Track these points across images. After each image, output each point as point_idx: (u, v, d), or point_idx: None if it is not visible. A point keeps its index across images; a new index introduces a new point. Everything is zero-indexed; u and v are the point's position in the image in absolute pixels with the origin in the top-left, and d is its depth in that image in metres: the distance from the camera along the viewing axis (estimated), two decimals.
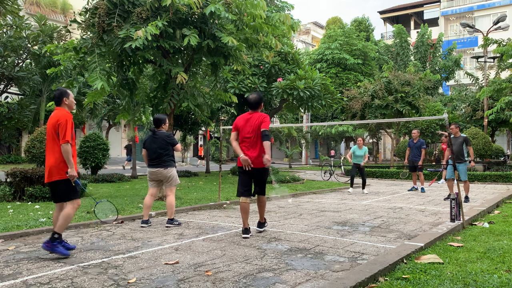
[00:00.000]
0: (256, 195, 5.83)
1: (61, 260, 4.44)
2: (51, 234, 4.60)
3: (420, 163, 11.88)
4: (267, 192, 6.13)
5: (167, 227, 6.35)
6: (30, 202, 8.59)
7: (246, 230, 5.65)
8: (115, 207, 6.74)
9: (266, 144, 5.45)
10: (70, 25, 10.52)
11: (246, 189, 5.68)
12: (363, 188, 11.88)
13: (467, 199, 9.40)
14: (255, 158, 5.55)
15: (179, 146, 6.64)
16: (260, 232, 5.94)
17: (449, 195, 9.76)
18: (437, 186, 14.23)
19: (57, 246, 4.51)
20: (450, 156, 9.52)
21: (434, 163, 20.71)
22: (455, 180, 6.78)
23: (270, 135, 5.55)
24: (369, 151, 37.78)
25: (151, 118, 14.16)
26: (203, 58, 9.78)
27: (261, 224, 6.01)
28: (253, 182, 5.73)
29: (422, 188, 12.09)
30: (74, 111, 20.65)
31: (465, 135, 9.60)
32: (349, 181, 12.48)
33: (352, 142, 36.63)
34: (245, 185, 5.68)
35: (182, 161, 33.25)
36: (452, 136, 9.48)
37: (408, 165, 12.25)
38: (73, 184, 4.64)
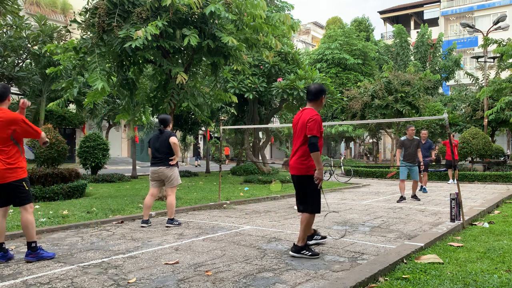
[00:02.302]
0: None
1: (61, 260, 4.44)
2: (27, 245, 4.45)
3: (420, 157, 11.04)
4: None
5: (167, 227, 6.35)
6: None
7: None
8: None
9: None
10: (70, 25, 10.52)
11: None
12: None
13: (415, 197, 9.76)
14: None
15: (173, 139, 6.43)
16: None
17: (401, 197, 9.75)
18: (437, 186, 14.22)
19: (41, 253, 4.43)
20: (402, 158, 9.76)
21: (434, 163, 20.67)
22: (455, 180, 6.77)
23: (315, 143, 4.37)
24: (369, 151, 37.86)
25: (151, 118, 14.17)
26: (203, 58, 9.77)
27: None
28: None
29: (424, 188, 12.06)
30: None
31: (418, 138, 9.76)
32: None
33: (352, 142, 36.60)
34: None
35: (182, 161, 33.26)
36: (407, 138, 9.68)
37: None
38: (27, 188, 4.45)
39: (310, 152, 4.38)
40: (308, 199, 4.54)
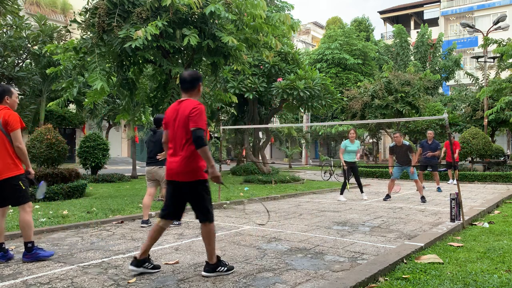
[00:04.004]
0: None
1: (61, 260, 4.44)
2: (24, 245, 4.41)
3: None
4: None
5: None
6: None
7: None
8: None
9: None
10: (70, 25, 10.53)
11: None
12: (361, 191, 10.16)
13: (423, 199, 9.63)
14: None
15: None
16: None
17: (387, 195, 9.87)
18: (442, 186, 14.20)
19: (37, 253, 4.40)
20: (396, 160, 9.98)
21: (439, 161, 20.66)
22: (455, 180, 6.77)
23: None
24: (370, 151, 37.80)
25: (151, 118, 14.17)
26: (203, 58, 9.78)
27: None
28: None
29: (438, 188, 12.03)
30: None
31: (407, 143, 9.83)
32: (341, 187, 10.33)
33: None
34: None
35: None
36: (395, 144, 9.82)
37: (420, 164, 12.02)
38: (23, 187, 4.40)
39: (196, 148, 3.69)
40: (206, 206, 3.87)
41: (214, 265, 3.89)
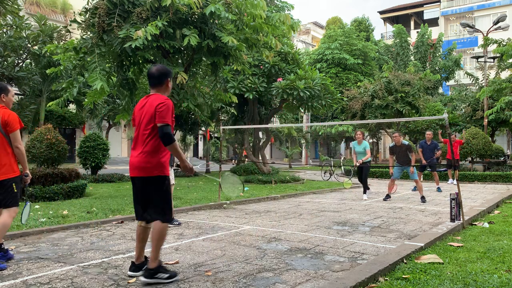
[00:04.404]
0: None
1: (61, 260, 4.44)
2: None
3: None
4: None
5: None
6: (30, 202, 8.57)
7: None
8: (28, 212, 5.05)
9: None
10: (70, 25, 10.53)
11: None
12: (364, 192, 10.34)
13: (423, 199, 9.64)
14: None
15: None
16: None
17: (387, 195, 9.91)
18: (441, 186, 14.21)
19: None
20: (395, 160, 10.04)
21: (438, 162, 20.67)
22: (455, 180, 6.77)
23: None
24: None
25: None
26: (203, 58, 9.78)
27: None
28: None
29: (438, 188, 12.03)
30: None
31: (407, 143, 9.83)
32: (362, 188, 10.56)
33: (352, 142, 36.57)
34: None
35: None
36: (395, 144, 9.87)
37: (419, 165, 12.06)
38: (15, 190, 4.29)
39: (165, 145, 3.60)
40: (161, 204, 3.68)
41: (154, 270, 3.61)
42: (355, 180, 10.90)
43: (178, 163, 3.80)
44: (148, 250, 3.94)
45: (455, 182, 14.65)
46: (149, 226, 3.85)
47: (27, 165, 4.52)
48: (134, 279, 3.76)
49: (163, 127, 3.57)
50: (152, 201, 3.72)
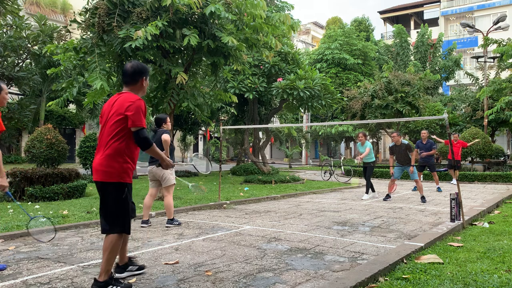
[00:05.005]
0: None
1: (61, 260, 4.44)
2: None
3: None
4: None
5: (167, 227, 6.35)
6: (30, 202, 8.59)
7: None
8: (52, 224, 5.46)
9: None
10: (70, 25, 10.54)
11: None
12: (366, 192, 10.46)
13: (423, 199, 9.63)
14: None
15: (165, 136, 6.32)
16: None
17: (387, 195, 9.93)
18: (442, 186, 14.21)
19: None
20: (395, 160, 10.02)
21: (436, 161, 20.67)
22: (455, 181, 6.77)
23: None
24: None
25: (151, 118, 14.17)
26: (203, 58, 9.78)
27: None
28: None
29: (438, 188, 12.03)
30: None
31: (406, 143, 9.83)
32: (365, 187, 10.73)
33: (352, 142, 36.59)
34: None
35: (182, 161, 33.25)
36: (394, 144, 9.88)
37: (418, 164, 12.04)
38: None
39: (143, 150, 3.39)
40: (112, 213, 3.39)
41: (103, 284, 3.31)
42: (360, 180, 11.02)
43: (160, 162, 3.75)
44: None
45: (455, 182, 14.67)
46: None
47: (4, 173, 4.14)
48: (134, 279, 3.76)
49: (138, 132, 3.30)
50: (107, 208, 3.40)
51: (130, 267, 3.82)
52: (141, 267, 3.93)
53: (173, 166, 3.77)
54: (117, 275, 3.70)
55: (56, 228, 5.27)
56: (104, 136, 3.40)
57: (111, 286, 3.34)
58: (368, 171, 10.41)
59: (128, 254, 4.58)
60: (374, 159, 10.54)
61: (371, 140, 34.15)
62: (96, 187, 3.49)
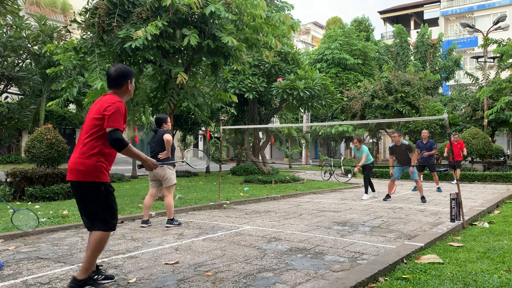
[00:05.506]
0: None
1: (61, 260, 4.44)
2: None
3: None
4: None
5: (167, 227, 6.35)
6: (30, 202, 8.58)
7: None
8: (36, 215, 5.69)
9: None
10: (70, 25, 10.53)
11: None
12: (365, 192, 10.46)
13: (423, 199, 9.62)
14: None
15: (166, 135, 6.33)
16: None
17: (387, 195, 9.93)
18: (442, 186, 14.21)
19: None
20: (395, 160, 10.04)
21: (437, 160, 20.66)
22: (455, 181, 6.77)
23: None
24: (369, 151, 37.79)
25: (151, 118, 14.16)
26: (203, 58, 9.78)
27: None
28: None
29: (438, 188, 12.01)
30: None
31: (406, 143, 9.82)
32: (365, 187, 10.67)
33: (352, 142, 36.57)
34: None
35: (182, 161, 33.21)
36: (394, 144, 9.88)
37: (418, 164, 12.01)
38: None
39: (119, 151, 3.32)
40: (100, 212, 3.34)
41: (82, 282, 3.23)
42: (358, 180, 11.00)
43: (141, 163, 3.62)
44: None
45: (454, 182, 14.65)
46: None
47: None
48: (134, 279, 3.76)
49: (111, 133, 3.21)
50: (89, 208, 3.36)
51: (96, 276, 3.57)
52: (108, 277, 3.69)
53: (157, 166, 3.63)
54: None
55: (38, 217, 5.38)
56: (82, 135, 3.38)
57: (89, 287, 3.27)
58: (367, 171, 10.45)
59: (130, 254, 4.57)
60: (372, 159, 10.56)
61: (371, 140, 34.17)
62: (71, 187, 3.42)
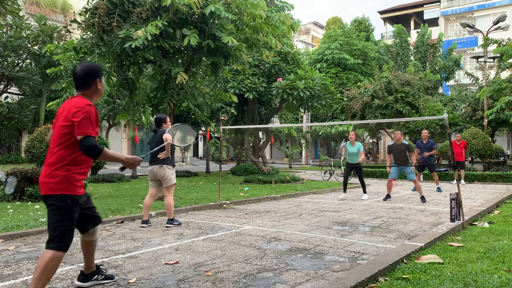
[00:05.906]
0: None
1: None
2: None
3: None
4: None
5: (167, 227, 6.35)
6: (30, 202, 8.58)
7: None
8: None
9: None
10: (70, 25, 10.54)
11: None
12: (364, 192, 10.32)
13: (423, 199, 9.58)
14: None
15: (166, 135, 6.26)
16: None
17: (387, 195, 9.92)
18: (442, 186, 14.21)
19: None
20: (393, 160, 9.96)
21: (437, 160, 20.66)
22: (455, 180, 6.77)
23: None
24: (369, 151, 37.81)
25: (151, 118, 14.16)
26: (203, 58, 9.78)
27: None
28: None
29: (438, 188, 12.01)
30: None
31: (406, 143, 9.81)
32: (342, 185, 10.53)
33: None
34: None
35: (182, 161, 33.25)
36: (394, 143, 9.86)
37: (417, 164, 12.03)
38: None
39: (94, 159, 3.12)
40: (53, 227, 3.04)
41: None
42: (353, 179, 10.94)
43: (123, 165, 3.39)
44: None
45: (463, 182, 14.63)
46: (90, 239, 3.45)
47: None
48: (134, 279, 3.76)
49: (83, 140, 2.98)
50: (48, 221, 3.08)
51: (96, 276, 3.56)
52: (109, 277, 3.67)
53: (140, 161, 3.34)
54: (78, 283, 3.54)
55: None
56: (51, 144, 3.15)
57: None
58: (360, 172, 10.30)
59: (130, 254, 4.57)
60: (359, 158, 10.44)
61: (371, 140, 34.18)
62: (44, 202, 3.17)
